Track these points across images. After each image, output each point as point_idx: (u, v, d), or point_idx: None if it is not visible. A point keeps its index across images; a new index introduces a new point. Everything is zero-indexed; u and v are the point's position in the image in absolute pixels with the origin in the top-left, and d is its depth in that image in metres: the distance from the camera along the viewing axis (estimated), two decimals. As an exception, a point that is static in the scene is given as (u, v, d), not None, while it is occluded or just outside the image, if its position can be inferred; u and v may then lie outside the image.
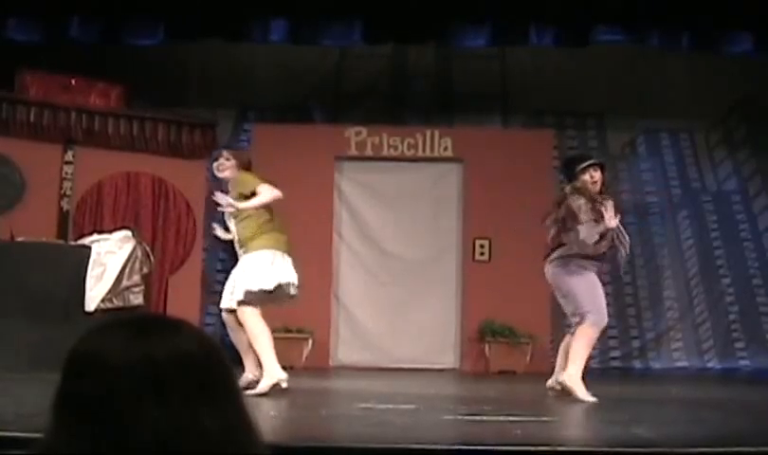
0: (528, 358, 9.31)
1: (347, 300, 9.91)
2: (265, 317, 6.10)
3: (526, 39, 8.15)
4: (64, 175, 9.20)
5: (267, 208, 6.13)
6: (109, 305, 7.32)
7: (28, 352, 6.83)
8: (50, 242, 8.22)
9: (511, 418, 4.85)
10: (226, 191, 6.27)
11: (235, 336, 6.24)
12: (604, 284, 6.63)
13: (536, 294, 8.77)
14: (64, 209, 9.18)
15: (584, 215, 6.17)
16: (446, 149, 9.95)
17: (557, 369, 6.45)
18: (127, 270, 7.50)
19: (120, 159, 9.40)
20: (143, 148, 9.48)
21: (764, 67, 9.26)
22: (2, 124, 8.94)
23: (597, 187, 6.32)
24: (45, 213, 8.95)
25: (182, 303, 8.89)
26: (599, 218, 6.13)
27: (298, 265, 6.21)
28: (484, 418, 4.86)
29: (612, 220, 6.12)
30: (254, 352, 6.06)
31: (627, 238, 6.36)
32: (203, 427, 1.01)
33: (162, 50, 9.05)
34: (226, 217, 6.32)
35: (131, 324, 1.07)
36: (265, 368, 5.97)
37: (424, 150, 9.94)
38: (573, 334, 6.32)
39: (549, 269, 6.39)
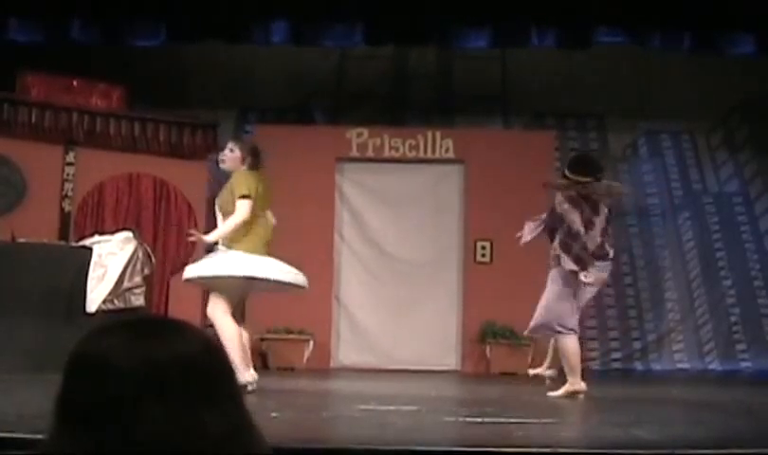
0: (529, 360, 9.30)
1: (348, 302, 9.91)
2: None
3: (527, 40, 8.16)
4: (65, 176, 9.20)
5: (253, 209, 6.02)
6: (110, 306, 7.32)
7: (30, 353, 6.82)
8: (51, 243, 8.22)
9: (512, 420, 4.85)
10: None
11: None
12: (606, 287, 6.73)
13: (537, 295, 8.71)
14: (66, 210, 9.18)
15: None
16: (447, 150, 9.94)
17: (547, 361, 6.87)
18: (128, 271, 7.49)
19: (122, 160, 9.40)
20: (144, 149, 9.48)
21: (766, 68, 9.26)
22: (3, 125, 8.93)
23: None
24: (46, 214, 8.95)
25: (183, 305, 8.87)
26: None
27: (298, 266, 6.19)
28: (486, 420, 4.85)
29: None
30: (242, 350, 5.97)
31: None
32: (205, 429, 1.01)
33: (164, 51, 9.06)
34: (216, 210, 6.27)
35: (132, 326, 1.07)
36: None
37: (425, 151, 9.94)
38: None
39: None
